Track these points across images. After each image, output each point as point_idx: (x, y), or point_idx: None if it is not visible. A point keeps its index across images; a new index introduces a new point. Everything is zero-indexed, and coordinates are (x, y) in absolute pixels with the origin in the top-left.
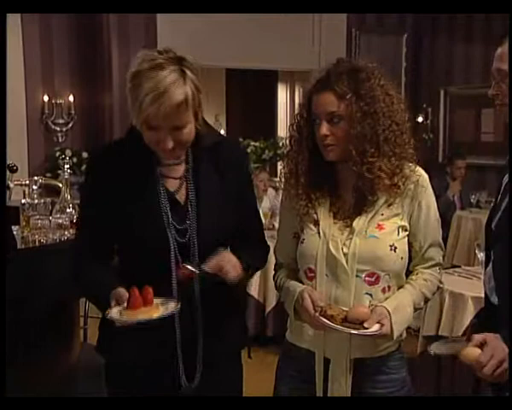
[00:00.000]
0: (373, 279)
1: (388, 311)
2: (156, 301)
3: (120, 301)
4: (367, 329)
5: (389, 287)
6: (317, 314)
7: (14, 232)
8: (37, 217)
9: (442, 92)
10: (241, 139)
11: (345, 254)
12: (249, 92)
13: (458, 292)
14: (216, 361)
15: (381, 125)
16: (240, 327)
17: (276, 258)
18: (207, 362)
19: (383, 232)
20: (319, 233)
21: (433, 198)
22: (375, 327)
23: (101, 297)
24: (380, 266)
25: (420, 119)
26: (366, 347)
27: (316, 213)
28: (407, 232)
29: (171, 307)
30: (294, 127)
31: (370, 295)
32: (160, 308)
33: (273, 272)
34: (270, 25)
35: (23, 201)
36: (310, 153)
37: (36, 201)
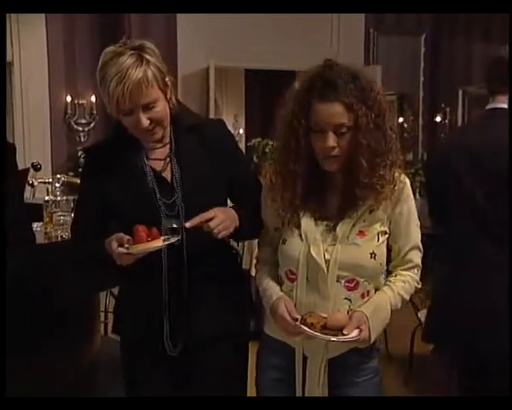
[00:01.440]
0: (352, 285)
1: (366, 316)
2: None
3: (122, 241)
4: (346, 335)
5: (368, 292)
6: (298, 323)
7: (38, 228)
8: (60, 213)
9: (460, 92)
10: (259, 139)
11: (326, 261)
12: (268, 92)
13: None
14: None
15: (386, 136)
16: (236, 309)
17: (258, 250)
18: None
19: (364, 239)
20: (301, 236)
21: (413, 202)
22: (354, 333)
23: (96, 254)
24: (360, 272)
25: (438, 118)
26: (341, 347)
27: (298, 215)
28: (387, 235)
29: (174, 238)
30: (290, 134)
31: (349, 300)
32: (163, 241)
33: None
34: (289, 26)
35: (46, 198)
36: (306, 162)
37: (58, 198)
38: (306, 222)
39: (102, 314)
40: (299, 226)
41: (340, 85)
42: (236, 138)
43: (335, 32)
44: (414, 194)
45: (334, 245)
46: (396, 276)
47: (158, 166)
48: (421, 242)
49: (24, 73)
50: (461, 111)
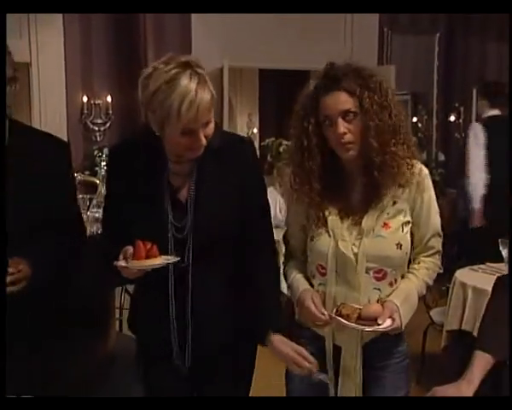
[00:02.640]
0: (380, 275)
1: (397, 305)
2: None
3: (126, 254)
4: (380, 325)
5: (396, 280)
6: (333, 314)
7: None
8: None
9: (474, 91)
10: (273, 138)
11: (354, 254)
12: (282, 92)
13: (481, 288)
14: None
15: (394, 116)
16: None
17: (285, 246)
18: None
19: (389, 231)
20: (328, 232)
21: (433, 191)
22: (388, 323)
23: (109, 256)
24: (387, 263)
25: (452, 118)
26: (373, 335)
27: (323, 213)
28: (410, 225)
29: (172, 258)
30: (301, 133)
31: (379, 289)
32: (161, 259)
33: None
34: (302, 25)
35: None
36: (321, 157)
37: None
38: (332, 219)
39: (117, 311)
40: (324, 223)
41: (340, 77)
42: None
43: (349, 31)
44: None
45: (361, 239)
46: (419, 263)
47: (176, 182)
48: None
49: (42, 74)
50: (475, 110)
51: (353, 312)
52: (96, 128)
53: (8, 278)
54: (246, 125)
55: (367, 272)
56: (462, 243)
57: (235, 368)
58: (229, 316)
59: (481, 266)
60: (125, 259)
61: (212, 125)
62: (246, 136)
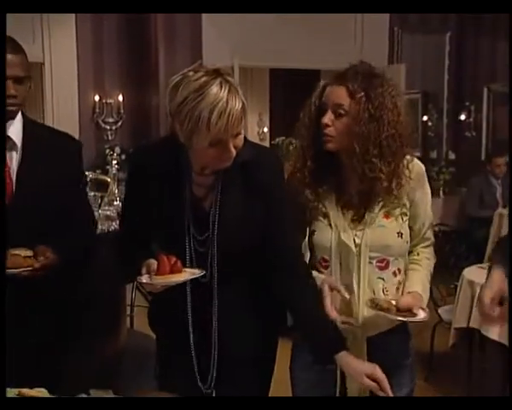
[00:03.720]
0: (383, 264)
1: (421, 295)
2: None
3: (149, 269)
4: (416, 315)
5: (399, 269)
6: (373, 310)
7: None
8: None
9: (485, 90)
10: (283, 137)
11: (357, 245)
12: (292, 91)
13: None
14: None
15: (384, 131)
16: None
17: None
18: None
19: (390, 221)
20: (330, 225)
21: (428, 185)
22: (423, 314)
23: (133, 271)
24: (389, 252)
25: (463, 116)
26: (378, 326)
27: (324, 206)
28: (407, 217)
29: (197, 272)
30: (305, 115)
31: (382, 279)
32: (186, 274)
33: None
34: (313, 25)
35: None
36: (315, 142)
37: None
38: (332, 210)
39: (128, 308)
40: (325, 216)
41: (349, 74)
42: (261, 137)
43: (359, 30)
44: (438, 192)
45: (363, 229)
46: (419, 254)
47: (200, 192)
48: (438, 238)
49: (54, 74)
50: (486, 109)
51: (390, 305)
52: (108, 127)
53: (38, 264)
54: (256, 124)
55: (370, 262)
56: (471, 242)
57: (254, 379)
58: (252, 330)
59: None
60: (149, 273)
61: (241, 137)
62: (272, 149)
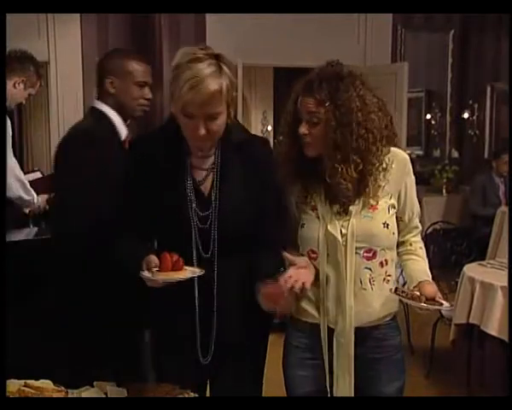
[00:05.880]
0: (370, 254)
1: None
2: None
3: (150, 265)
4: (442, 304)
5: (386, 260)
6: (407, 301)
7: None
8: None
9: (488, 88)
10: None
11: (343, 235)
12: None
13: (488, 282)
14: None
15: (353, 135)
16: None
17: None
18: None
19: (376, 212)
20: (318, 218)
21: (412, 173)
22: (447, 302)
23: (133, 263)
24: (375, 242)
25: (466, 115)
26: (366, 316)
27: (313, 199)
28: (395, 210)
29: (197, 271)
30: (284, 122)
31: (369, 269)
32: (187, 272)
33: None
34: (316, 23)
35: None
36: (297, 147)
37: None
38: (320, 203)
39: None
40: (314, 209)
41: (316, 84)
42: (265, 135)
43: (363, 28)
44: (441, 191)
45: (348, 220)
46: (412, 245)
47: (199, 175)
48: (439, 237)
49: (59, 73)
50: (489, 107)
51: (415, 294)
52: None
53: None
54: (260, 122)
55: (357, 252)
56: (473, 239)
57: (251, 359)
58: (250, 307)
59: (490, 260)
60: (150, 269)
61: (219, 122)
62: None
